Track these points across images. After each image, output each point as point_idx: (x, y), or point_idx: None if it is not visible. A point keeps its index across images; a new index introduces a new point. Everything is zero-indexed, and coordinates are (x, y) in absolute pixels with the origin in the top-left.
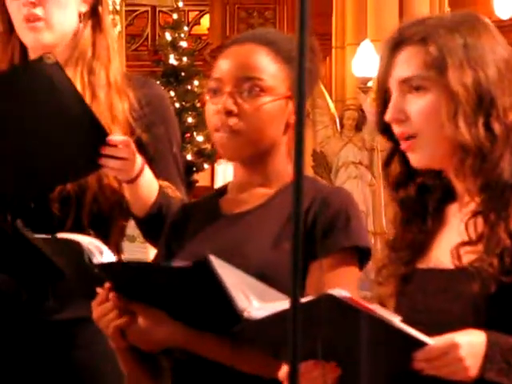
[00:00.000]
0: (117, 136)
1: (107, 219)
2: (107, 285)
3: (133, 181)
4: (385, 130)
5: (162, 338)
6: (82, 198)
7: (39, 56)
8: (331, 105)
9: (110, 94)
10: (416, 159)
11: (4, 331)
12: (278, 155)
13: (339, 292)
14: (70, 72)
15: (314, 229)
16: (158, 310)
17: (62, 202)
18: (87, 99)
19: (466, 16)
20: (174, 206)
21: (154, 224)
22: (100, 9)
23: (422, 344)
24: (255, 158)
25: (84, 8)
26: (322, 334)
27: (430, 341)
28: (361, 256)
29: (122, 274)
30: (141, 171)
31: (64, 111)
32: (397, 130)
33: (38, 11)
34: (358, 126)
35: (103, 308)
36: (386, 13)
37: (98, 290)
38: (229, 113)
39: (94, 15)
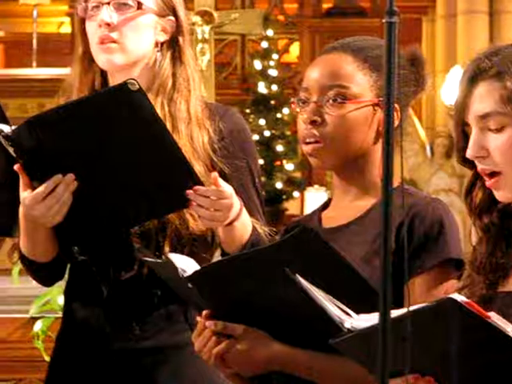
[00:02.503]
0: (211, 188)
1: (189, 254)
2: (204, 313)
3: (228, 225)
4: (465, 159)
5: (263, 359)
6: (163, 232)
7: (123, 82)
8: (421, 132)
9: (191, 126)
10: (502, 196)
11: (92, 359)
12: (372, 165)
13: (459, 296)
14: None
15: (408, 245)
16: (257, 331)
17: (142, 235)
18: (169, 130)
19: None
20: (263, 242)
21: None
22: (181, 40)
23: None
24: (347, 168)
25: (162, 37)
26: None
27: None
28: (457, 266)
29: (211, 280)
30: (238, 216)
31: (147, 140)
32: (479, 166)
33: (114, 34)
34: (449, 153)
35: (202, 338)
36: (476, 38)
37: (197, 318)
38: (313, 122)
39: (173, 46)
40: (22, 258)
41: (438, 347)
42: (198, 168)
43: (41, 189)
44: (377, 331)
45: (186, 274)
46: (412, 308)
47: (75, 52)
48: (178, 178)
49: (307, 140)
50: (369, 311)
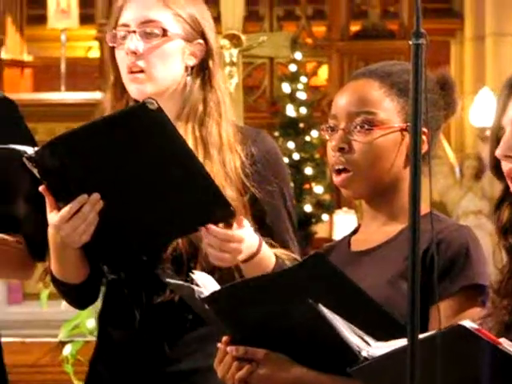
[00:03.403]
0: (223, 230)
1: (218, 280)
2: (224, 339)
3: (246, 261)
4: (498, 171)
5: (286, 383)
6: (194, 258)
7: (142, 101)
8: (450, 154)
9: (223, 150)
10: None
11: (125, 383)
12: (402, 191)
13: (469, 323)
14: (181, 128)
15: (434, 270)
16: (279, 354)
17: (174, 260)
18: (200, 156)
19: None
20: None
21: None
22: (210, 63)
23: None
24: (378, 195)
25: (191, 61)
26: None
27: None
28: (483, 292)
29: (227, 303)
30: (257, 252)
31: (169, 158)
32: (506, 167)
33: (140, 63)
34: (478, 175)
35: (224, 364)
36: (504, 60)
37: (218, 345)
38: (341, 149)
39: (203, 69)
40: (54, 280)
41: (452, 374)
42: (230, 193)
43: (66, 209)
44: (394, 358)
45: (202, 296)
46: (422, 335)
47: (107, 79)
48: (203, 198)
49: (336, 167)
50: (382, 335)
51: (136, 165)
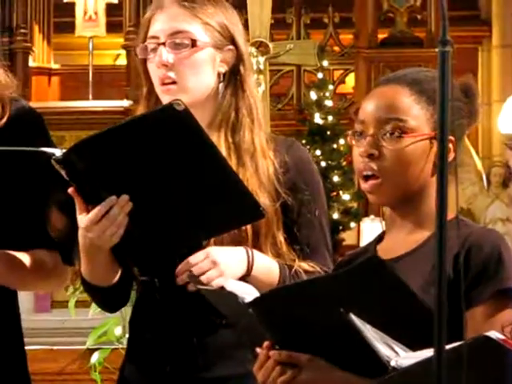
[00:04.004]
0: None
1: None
2: (266, 344)
3: (245, 277)
4: None
5: None
6: None
7: (168, 102)
8: (478, 162)
9: (255, 156)
10: None
11: None
12: (429, 198)
13: (495, 334)
14: (214, 135)
15: (466, 275)
16: (321, 360)
17: None
18: (233, 163)
19: None
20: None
21: None
22: (242, 69)
23: None
24: (405, 202)
25: (223, 69)
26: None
27: None
28: None
29: (275, 305)
30: (250, 268)
31: (197, 159)
32: None
33: (172, 74)
34: (505, 183)
35: (265, 369)
36: None
37: (258, 350)
38: (371, 156)
39: (235, 76)
40: (84, 283)
41: None
42: (263, 200)
43: (95, 211)
44: (421, 368)
45: (246, 300)
46: (448, 346)
47: (140, 91)
48: (233, 199)
49: (364, 173)
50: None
51: (164, 166)
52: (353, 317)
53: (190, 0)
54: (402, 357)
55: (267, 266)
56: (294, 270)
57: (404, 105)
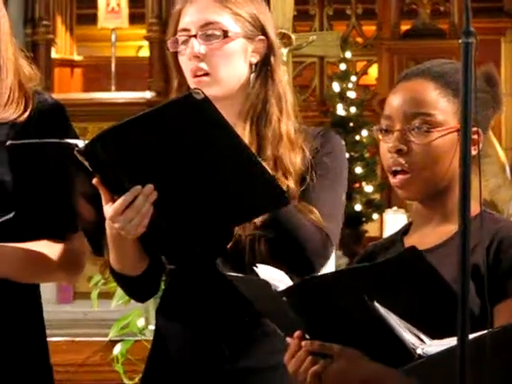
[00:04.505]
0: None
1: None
2: (297, 333)
3: None
4: None
5: (360, 378)
6: (253, 250)
7: (188, 92)
8: (501, 153)
9: (281, 145)
10: None
11: (183, 381)
12: (456, 191)
13: None
14: (240, 124)
15: (497, 268)
16: (353, 349)
17: (233, 253)
18: (255, 151)
19: None
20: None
21: None
22: (272, 59)
23: None
24: (433, 195)
25: (255, 59)
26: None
27: None
28: None
29: (308, 294)
30: None
31: (221, 148)
32: None
33: (204, 65)
34: None
35: (297, 359)
36: None
37: (288, 340)
38: (399, 151)
39: (266, 65)
40: (113, 273)
41: (503, 374)
42: (286, 187)
43: (119, 201)
44: (447, 356)
45: (279, 289)
46: (472, 335)
47: (171, 84)
48: (256, 186)
49: (393, 169)
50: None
51: (187, 154)
52: (377, 305)
53: None
54: (427, 344)
55: None
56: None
57: (430, 99)
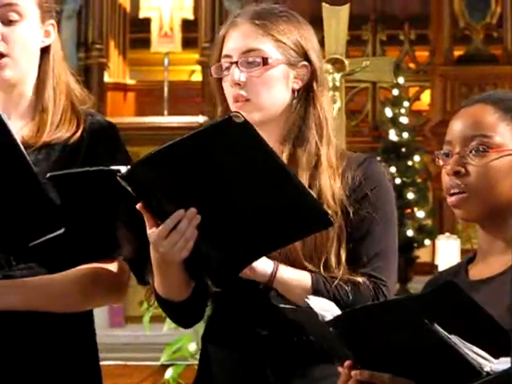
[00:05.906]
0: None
1: None
2: (347, 363)
3: (268, 284)
4: None
5: None
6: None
7: (228, 115)
8: None
9: (319, 171)
10: None
11: None
12: None
13: None
14: (278, 148)
15: None
16: (404, 379)
17: None
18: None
19: None
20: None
21: None
22: (315, 85)
23: None
24: (492, 220)
25: (297, 85)
26: None
27: None
28: None
29: (355, 324)
30: (272, 277)
31: (261, 170)
32: None
33: (244, 92)
34: None
35: None
36: None
37: (339, 369)
38: (457, 173)
39: (308, 91)
40: (158, 298)
41: None
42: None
43: (163, 226)
44: None
45: (327, 319)
46: None
47: (216, 109)
48: (299, 208)
49: (451, 191)
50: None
51: (228, 177)
52: (438, 327)
53: (263, 17)
54: (495, 362)
55: (295, 279)
56: (334, 284)
57: (489, 121)
